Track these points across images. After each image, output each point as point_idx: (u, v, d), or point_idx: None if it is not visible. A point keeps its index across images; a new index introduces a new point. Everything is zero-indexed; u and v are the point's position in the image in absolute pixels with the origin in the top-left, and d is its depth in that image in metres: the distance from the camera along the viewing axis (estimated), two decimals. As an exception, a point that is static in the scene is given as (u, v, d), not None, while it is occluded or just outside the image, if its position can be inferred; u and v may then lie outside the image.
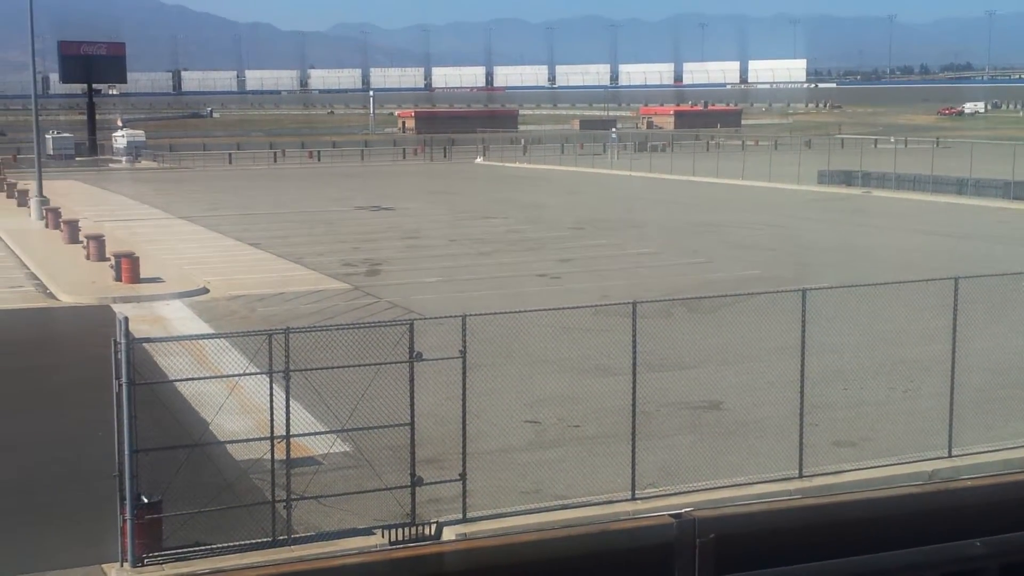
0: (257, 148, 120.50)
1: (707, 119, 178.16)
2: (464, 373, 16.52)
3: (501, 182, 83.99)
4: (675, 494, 17.10)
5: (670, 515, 14.36)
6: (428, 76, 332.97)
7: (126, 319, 15.04)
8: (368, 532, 15.88)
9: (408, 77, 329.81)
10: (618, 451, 17.87)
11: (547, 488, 17.70)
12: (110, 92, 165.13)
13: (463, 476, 16.38)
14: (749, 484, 17.59)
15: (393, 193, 72.90)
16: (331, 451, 17.87)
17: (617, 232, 51.90)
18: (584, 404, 21.52)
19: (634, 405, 17.52)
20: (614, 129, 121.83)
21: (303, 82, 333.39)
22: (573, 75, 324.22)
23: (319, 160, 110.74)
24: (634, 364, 17.54)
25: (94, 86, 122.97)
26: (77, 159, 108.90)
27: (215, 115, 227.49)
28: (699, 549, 13.62)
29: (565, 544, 14.11)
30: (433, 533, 15.88)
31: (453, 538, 15.62)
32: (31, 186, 59.93)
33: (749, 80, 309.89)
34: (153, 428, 15.81)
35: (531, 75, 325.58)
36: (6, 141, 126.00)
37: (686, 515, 14.22)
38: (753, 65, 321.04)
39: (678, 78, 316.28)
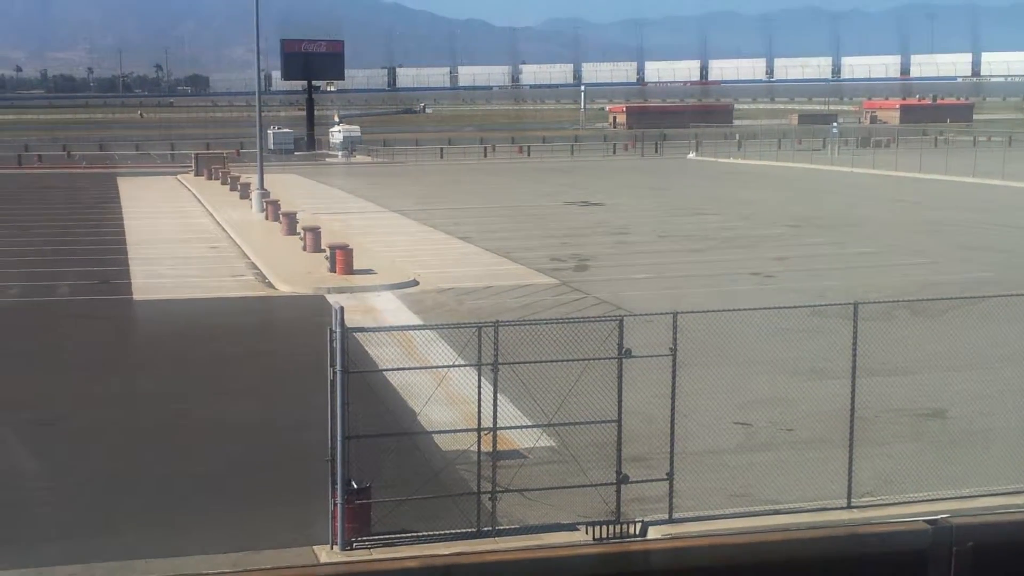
0: (468, 143, 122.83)
1: (935, 114, 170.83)
2: (674, 371, 16.38)
3: (714, 178, 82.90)
4: (894, 504, 16.48)
5: (925, 521, 13.77)
6: (640, 71, 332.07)
7: (341, 309, 15.54)
8: (572, 528, 15.96)
9: (620, 72, 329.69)
10: (833, 457, 17.35)
11: (757, 492, 17.36)
12: (328, 88, 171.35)
13: (670, 476, 16.25)
14: (976, 496, 16.76)
15: (603, 188, 73.00)
16: (537, 445, 18.02)
17: (836, 230, 50.40)
18: (798, 407, 21.00)
19: (852, 410, 16.98)
20: (835, 124, 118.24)
21: (515, 77, 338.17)
22: (792, 68, 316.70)
23: (529, 155, 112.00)
24: (853, 367, 17.00)
25: (313, 83, 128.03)
26: (296, 154, 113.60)
27: (428, 111, 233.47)
28: (955, 558, 12.99)
29: (804, 546, 13.64)
30: (638, 532, 15.82)
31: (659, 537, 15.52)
32: (252, 179, 62.84)
33: (982, 73, 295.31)
34: (364, 415, 16.30)
35: (747, 69, 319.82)
36: (231, 136, 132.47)
37: (942, 522, 13.58)
38: (987, 57, 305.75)
39: (904, 71, 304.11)
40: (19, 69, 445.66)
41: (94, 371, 26.20)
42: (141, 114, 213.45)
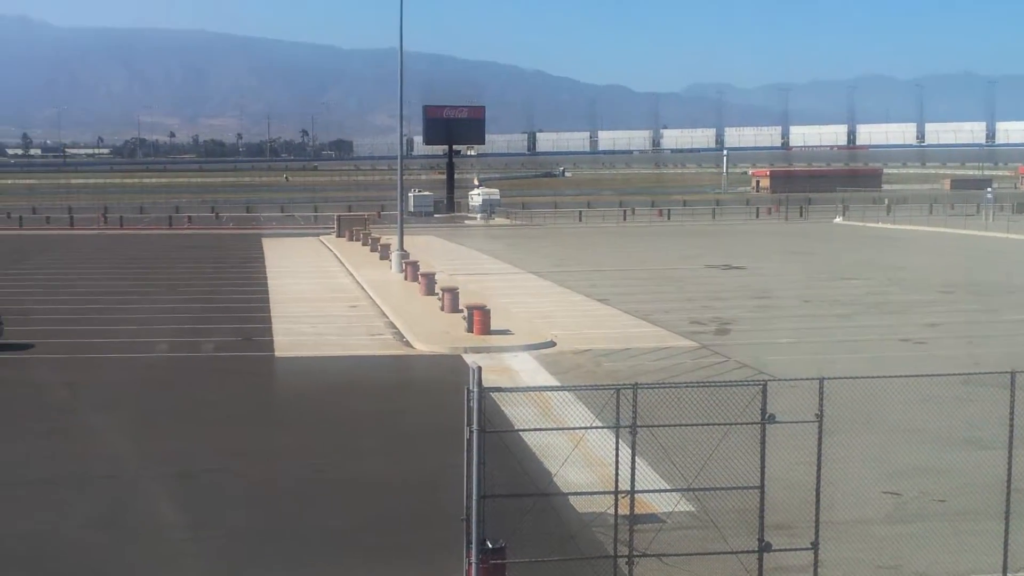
0: (607, 207, 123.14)
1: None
2: (820, 438, 15.94)
3: (861, 242, 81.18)
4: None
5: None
6: (785, 135, 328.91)
7: (479, 368, 15.59)
8: (712, 596, 15.57)
9: (763, 136, 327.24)
10: (988, 529, 16.61)
11: (907, 564, 16.70)
12: (468, 153, 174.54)
13: (815, 545, 15.75)
14: None
15: (745, 252, 72.18)
16: (675, 510, 17.70)
17: (991, 297, 48.72)
18: (950, 477, 20.21)
19: (1009, 481, 16.26)
20: (990, 189, 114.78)
21: (655, 142, 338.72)
22: (944, 133, 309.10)
23: (669, 219, 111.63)
24: (1010, 437, 16.30)
25: (454, 147, 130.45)
26: (435, 216, 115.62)
27: (567, 174, 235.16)
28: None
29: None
30: (781, 604, 15.34)
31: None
32: (392, 240, 64.06)
33: None
34: (500, 475, 16.26)
35: (897, 133, 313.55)
36: (373, 199, 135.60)
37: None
38: None
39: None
40: (173, 135, 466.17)
41: (236, 426, 26.84)
42: (287, 177, 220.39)
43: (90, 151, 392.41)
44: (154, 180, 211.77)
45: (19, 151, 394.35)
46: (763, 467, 15.93)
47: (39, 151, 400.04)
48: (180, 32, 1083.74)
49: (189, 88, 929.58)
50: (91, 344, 37.62)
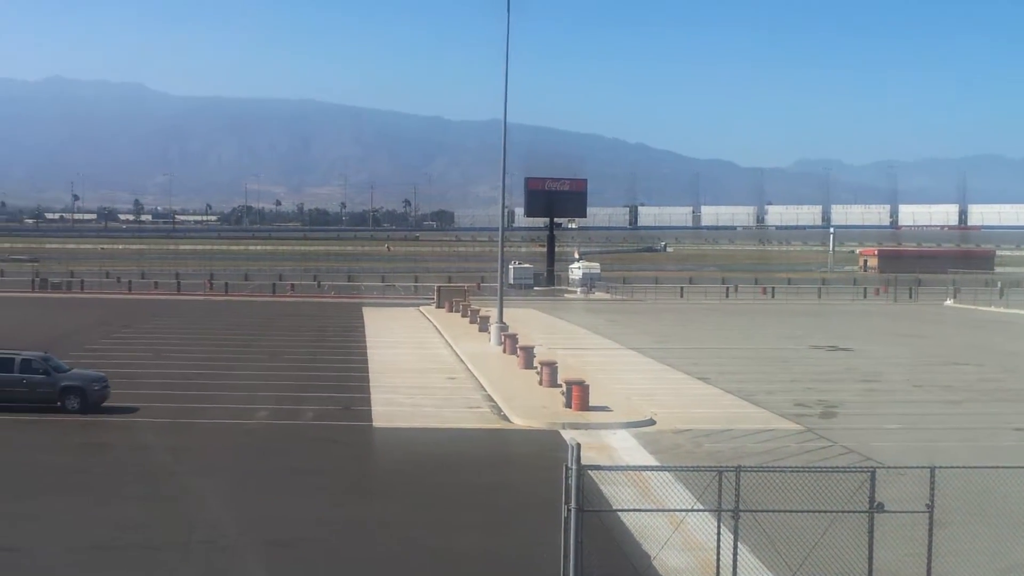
0: (709, 283, 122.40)
1: None
2: (930, 529, 15.54)
3: (974, 327, 79.25)
4: None
5: None
6: (894, 214, 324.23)
7: (578, 445, 15.56)
8: None
9: (872, 214, 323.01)
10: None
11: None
12: (570, 225, 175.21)
13: (925, 644, 15.25)
14: None
15: (852, 333, 70.96)
16: (778, 599, 17.32)
17: (1114, 387, 47.06)
18: (1071, 578, 19.41)
19: None
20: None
21: (760, 218, 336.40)
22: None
23: (772, 296, 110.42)
24: None
25: (555, 219, 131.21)
26: (535, 289, 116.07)
27: (669, 249, 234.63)
28: None
29: None
30: None
31: None
32: (492, 313, 64.42)
33: None
34: (597, 555, 16.11)
35: (1010, 214, 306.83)
36: (473, 270, 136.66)
37: None
38: None
39: None
40: (279, 203, 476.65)
41: (332, 495, 27.05)
42: (388, 247, 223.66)
43: (199, 218, 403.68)
44: (259, 247, 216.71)
45: (131, 216, 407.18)
46: (871, 558, 15.56)
47: (150, 217, 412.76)
48: (289, 102, 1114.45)
49: (296, 157, 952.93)
50: (194, 409, 38.37)
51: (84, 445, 32.74)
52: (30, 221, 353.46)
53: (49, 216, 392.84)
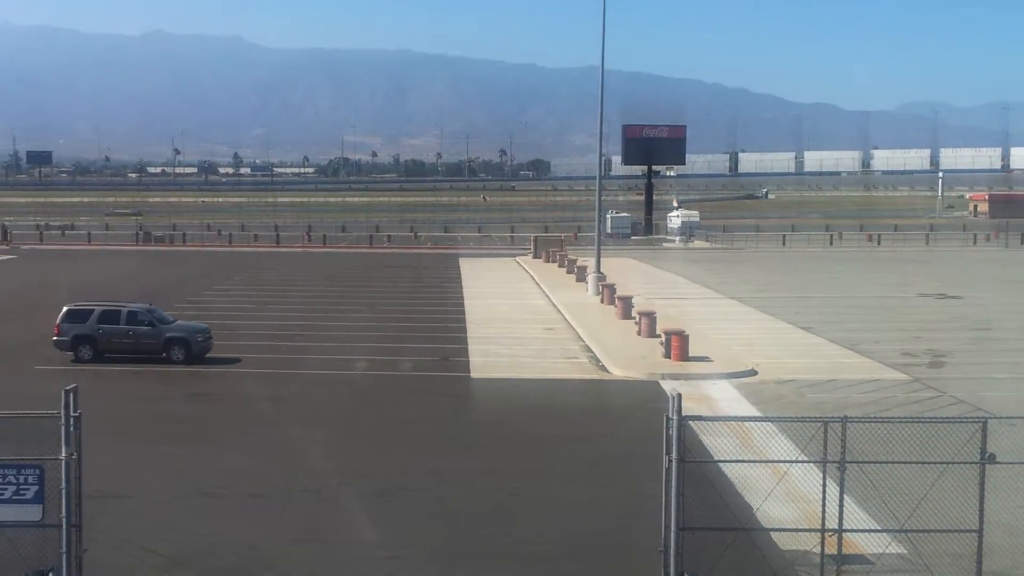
0: (812, 230, 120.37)
1: None
2: (1045, 481, 15.15)
3: (1091, 273, 76.83)
4: None
5: None
6: (1006, 156, 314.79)
7: (679, 396, 15.45)
8: (924, 646, 14.95)
9: (982, 158, 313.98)
10: None
11: None
12: (668, 173, 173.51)
13: (1039, 597, 14.94)
14: None
15: (961, 281, 69.33)
16: (885, 551, 17.08)
17: None
18: None
19: None
20: None
21: (865, 163, 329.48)
22: None
23: (878, 244, 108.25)
24: None
25: (653, 167, 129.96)
26: (633, 238, 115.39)
27: (770, 196, 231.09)
28: None
29: None
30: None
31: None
32: (589, 263, 64.26)
33: None
34: (698, 507, 16.04)
35: None
36: (569, 219, 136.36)
37: None
38: None
39: None
40: (375, 154, 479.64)
41: (432, 445, 27.36)
42: (484, 197, 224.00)
43: (296, 170, 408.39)
44: (356, 199, 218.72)
45: (230, 169, 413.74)
46: (982, 510, 15.25)
47: (248, 170, 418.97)
48: (386, 52, 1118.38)
49: (392, 108, 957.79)
50: (294, 360, 39.08)
51: (189, 395, 33.58)
52: (133, 175, 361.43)
53: (151, 170, 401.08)
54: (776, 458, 19.21)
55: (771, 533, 18.30)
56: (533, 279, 71.61)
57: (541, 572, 18.32)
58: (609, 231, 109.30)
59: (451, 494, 22.94)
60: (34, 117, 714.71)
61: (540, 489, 23.24)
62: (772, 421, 22.55)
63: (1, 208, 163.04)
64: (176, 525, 20.52)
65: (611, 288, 55.65)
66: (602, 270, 61.36)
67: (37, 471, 14.82)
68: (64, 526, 14.54)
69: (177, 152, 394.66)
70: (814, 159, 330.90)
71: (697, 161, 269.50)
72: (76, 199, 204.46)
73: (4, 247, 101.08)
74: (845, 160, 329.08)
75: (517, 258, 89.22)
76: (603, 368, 38.28)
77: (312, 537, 20.04)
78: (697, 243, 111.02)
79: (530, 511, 21.68)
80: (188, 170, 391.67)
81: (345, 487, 23.11)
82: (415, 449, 26.86)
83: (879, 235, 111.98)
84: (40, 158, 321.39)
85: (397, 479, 23.92)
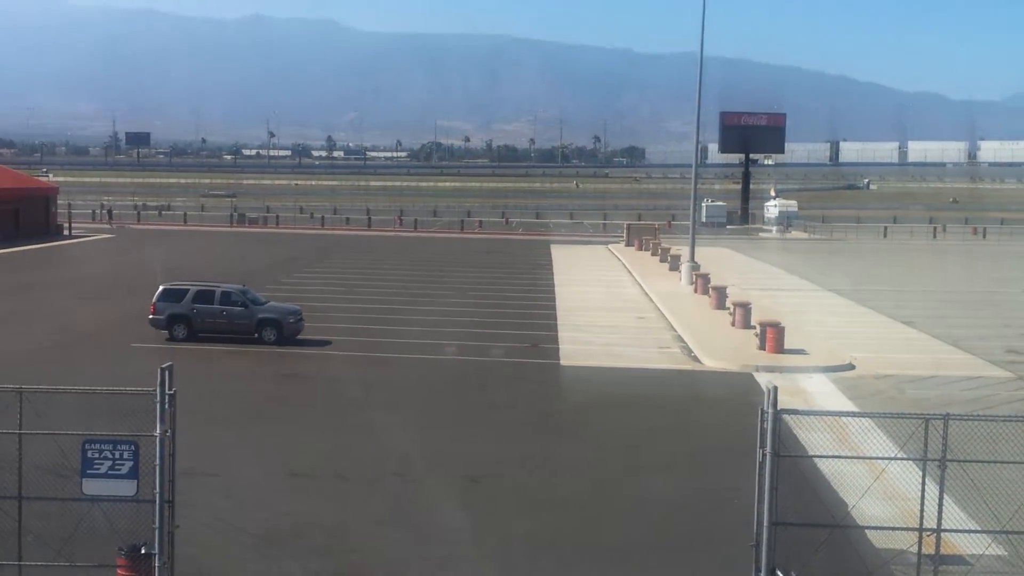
0: (915, 223, 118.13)
1: None
2: None
3: None
4: None
5: None
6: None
7: (775, 389, 15.24)
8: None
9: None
10: None
11: None
12: (765, 162, 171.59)
13: None
14: None
15: (1072, 277, 67.46)
16: (985, 553, 16.70)
17: None
18: None
19: None
20: None
21: (971, 154, 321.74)
22: None
23: (984, 237, 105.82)
24: None
25: (751, 156, 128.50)
26: (728, 227, 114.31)
27: (872, 187, 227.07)
28: None
29: None
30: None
31: None
32: (683, 251, 63.83)
33: None
34: (792, 501, 15.84)
35: None
36: (663, 207, 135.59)
37: None
38: None
39: None
40: (467, 139, 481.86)
41: (520, 433, 27.43)
42: (577, 184, 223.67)
43: (389, 154, 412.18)
44: (448, 184, 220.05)
45: (323, 153, 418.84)
46: (1090, 515, 14.82)
47: (342, 153, 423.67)
48: (480, 37, 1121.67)
49: (485, 93, 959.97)
50: (384, 343, 39.44)
51: (280, 376, 34.09)
52: (228, 157, 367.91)
53: (246, 152, 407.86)
54: (873, 455, 18.90)
55: (866, 531, 18.01)
56: (625, 267, 71.34)
57: (628, 563, 18.26)
58: (704, 220, 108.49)
59: (538, 482, 22.97)
60: (134, 99, 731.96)
61: (628, 480, 23.16)
62: (870, 417, 22.17)
63: (100, 188, 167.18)
64: (265, 504, 20.86)
65: (705, 278, 55.24)
66: (696, 259, 60.90)
67: (132, 447, 15.14)
68: (157, 502, 14.84)
69: (272, 135, 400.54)
70: (918, 149, 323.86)
71: (796, 150, 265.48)
72: (173, 180, 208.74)
73: (108, 227, 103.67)
74: (951, 151, 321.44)
75: (609, 246, 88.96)
76: (695, 359, 37.99)
77: (398, 520, 20.23)
78: (795, 233, 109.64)
79: (618, 501, 21.61)
80: (282, 153, 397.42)
81: (432, 471, 23.27)
82: (503, 435, 26.95)
83: (985, 228, 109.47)
84: (138, 139, 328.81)
85: (485, 465, 24.02)
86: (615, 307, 51.60)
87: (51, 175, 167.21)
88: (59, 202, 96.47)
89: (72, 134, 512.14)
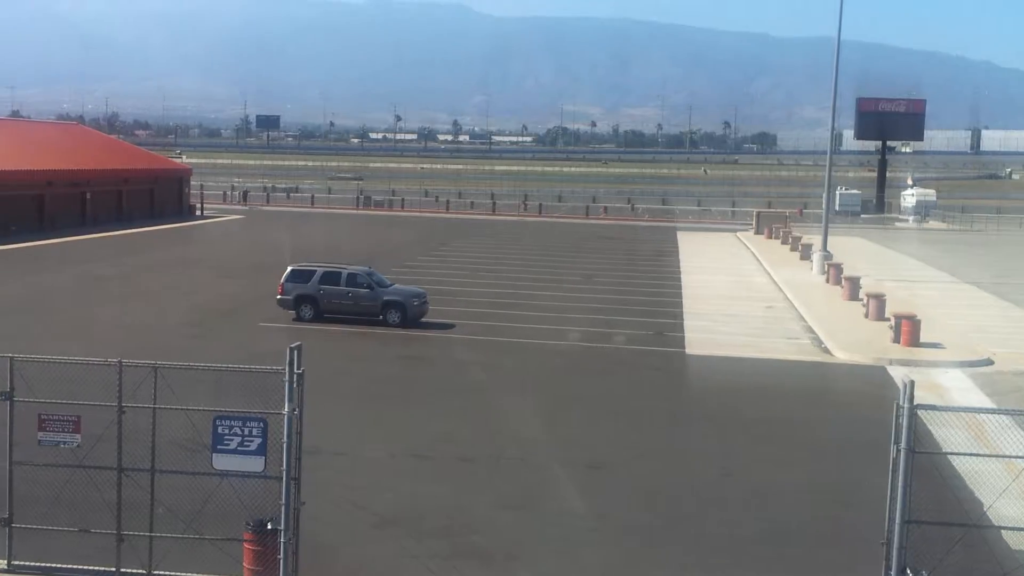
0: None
1: None
2: None
3: None
4: None
5: None
6: None
7: (911, 383, 14.88)
8: None
9: None
10: None
11: None
12: (903, 150, 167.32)
13: None
14: None
15: None
16: None
17: None
18: None
19: None
20: None
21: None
22: None
23: None
24: None
25: (887, 143, 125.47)
26: (862, 216, 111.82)
27: (1014, 176, 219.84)
28: None
29: None
30: None
31: None
32: (814, 240, 62.75)
33: None
34: (925, 500, 15.47)
35: None
36: (795, 195, 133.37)
37: None
38: None
39: None
40: (594, 124, 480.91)
41: (644, 421, 27.34)
42: (705, 170, 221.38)
43: (514, 139, 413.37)
44: (573, 169, 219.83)
45: (449, 137, 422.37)
46: None
47: (467, 137, 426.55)
48: (610, 20, 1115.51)
49: (613, 77, 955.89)
50: (507, 328, 39.64)
51: (405, 358, 34.53)
52: (355, 140, 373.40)
53: (373, 136, 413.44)
54: (1012, 453, 18.35)
55: (1002, 532, 17.51)
56: (754, 255, 70.43)
57: (751, 557, 18.06)
58: (837, 209, 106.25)
59: (660, 471, 22.87)
60: (265, 83, 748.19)
61: (753, 472, 22.90)
62: (1008, 414, 21.53)
63: (231, 170, 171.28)
64: (388, 485, 21.18)
65: (837, 267, 54.25)
66: (828, 249, 59.82)
67: (261, 424, 15.50)
68: (284, 479, 15.17)
69: (398, 119, 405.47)
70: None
71: (936, 138, 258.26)
72: (301, 163, 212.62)
73: (240, 207, 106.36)
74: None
75: (737, 233, 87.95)
76: (826, 350, 37.34)
77: (519, 504, 20.34)
78: (932, 223, 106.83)
79: (742, 494, 21.38)
80: (408, 136, 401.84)
81: (553, 457, 23.33)
82: (626, 423, 26.88)
83: None
84: (268, 122, 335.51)
85: (606, 452, 24.00)
86: (743, 296, 51.00)
87: (184, 156, 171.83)
88: (192, 183, 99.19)
89: (205, 116, 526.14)
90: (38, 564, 16.23)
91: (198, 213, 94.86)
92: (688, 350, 36.81)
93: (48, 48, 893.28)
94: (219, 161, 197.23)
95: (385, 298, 39.40)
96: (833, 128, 62.78)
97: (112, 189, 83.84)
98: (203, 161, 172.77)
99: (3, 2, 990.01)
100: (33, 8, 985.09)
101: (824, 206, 62.27)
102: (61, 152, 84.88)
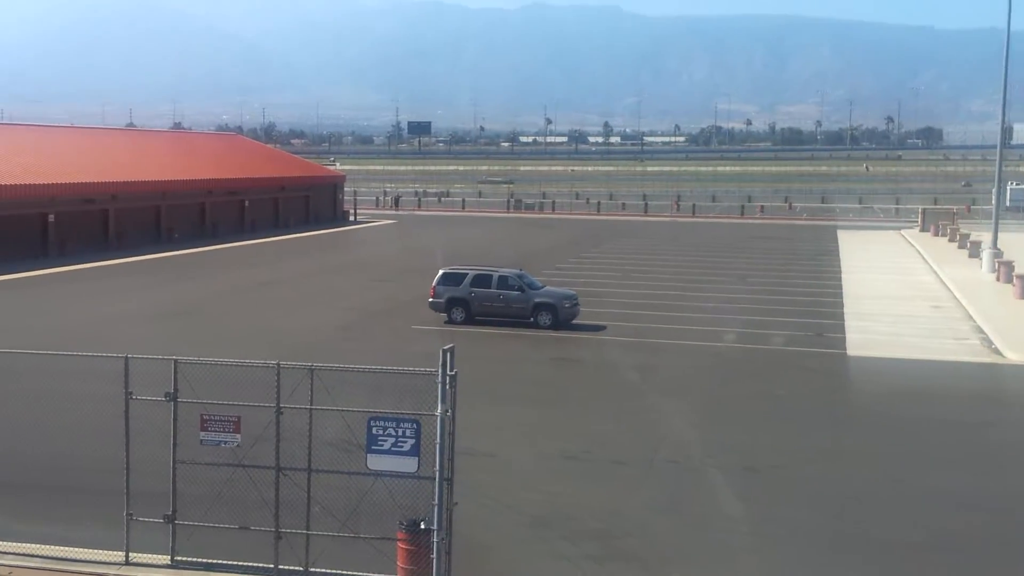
0: None
1: None
2: None
3: None
4: None
5: None
6: None
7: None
8: None
9: None
10: None
11: None
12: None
13: None
14: None
15: None
16: None
17: None
18: None
19: None
20: None
21: None
22: None
23: None
24: None
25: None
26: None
27: None
28: None
29: None
30: None
31: None
32: (984, 237, 60.77)
33: None
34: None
35: None
36: (967, 191, 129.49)
37: None
38: None
39: None
40: (749, 122, 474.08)
41: (804, 423, 26.83)
42: (867, 167, 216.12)
43: (666, 139, 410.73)
44: (728, 168, 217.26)
45: (600, 139, 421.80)
46: None
47: (618, 139, 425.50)
48: (766, 17, 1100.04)
49: (769, 74, 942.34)
50: (660, 329, 39.41)
51: (556, 360, 34.64)
52: (505, 144, 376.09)
53: (523, 139, 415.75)
54: None
55: None
56: (919, 254, 68.53)
57: (913, 564, 17.56)
58: (1008, 204, 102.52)
59: (821, 475, 22.40)
60: (417, 89, 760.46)
61: (918, 476, 22.26)
62: None
63: (384, 176, 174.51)
64: (540, 486, 21.26)
65: (1008, 265, 52.41)
66: (999, 246, 57.82)
67: (415, 425, 15.74)
68: (437, 479, 15.36)
69: (549, 122, 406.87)
70: None
71: None
72: (451, 168, 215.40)
73: (392, 212, 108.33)
74: None
75: (902, 231, 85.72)
76: (996, 351, 36.08)
77: (673, 507, 20.19)
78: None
79: (905, 499, 20.79)
80: (558, 139, 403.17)
81: (709, 460, 23.09)
82: (784, 426, 26.44)
83: None
84: (420, 128, 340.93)
85: (764, 456, 23.63)
86: (907, 295, 49.65)
87: (338, 164, 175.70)
88: (345, 189, 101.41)
89: (358, 124, 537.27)
90: (200, 560, 16.79)
91: (351, 219, 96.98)
92: (850, 351, 36.00)
93: (210, 63, 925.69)
94: (372, 168, 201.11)
95: (536, 300, 39.59)
96: (1004, 121, 60.63)
97: (269, 197, 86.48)
98: (356, 168, 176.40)
99: (173, 21, 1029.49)
100: (200, 26, 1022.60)
101: (994, 202, 60.28)
102: (221, 162, 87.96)
